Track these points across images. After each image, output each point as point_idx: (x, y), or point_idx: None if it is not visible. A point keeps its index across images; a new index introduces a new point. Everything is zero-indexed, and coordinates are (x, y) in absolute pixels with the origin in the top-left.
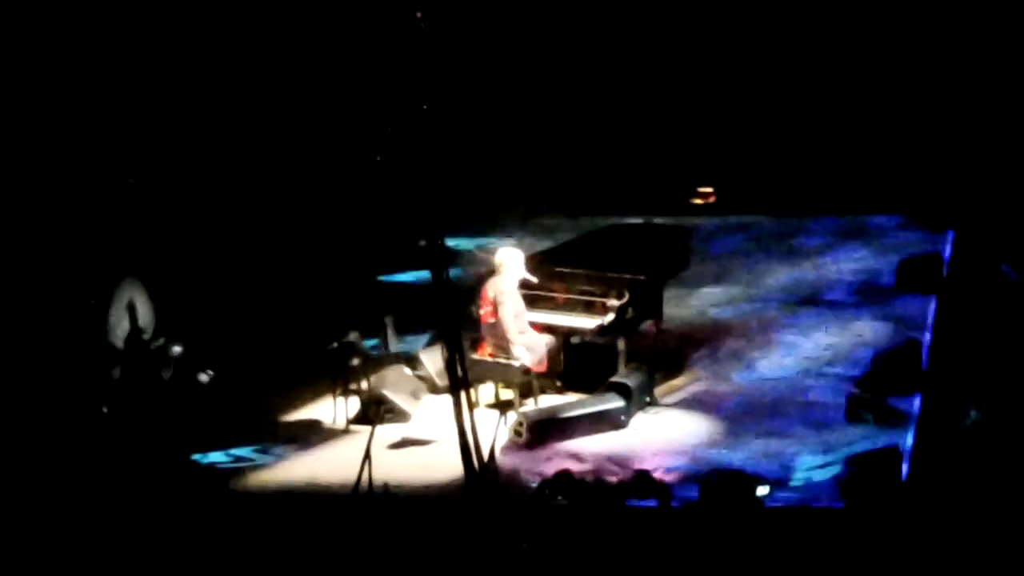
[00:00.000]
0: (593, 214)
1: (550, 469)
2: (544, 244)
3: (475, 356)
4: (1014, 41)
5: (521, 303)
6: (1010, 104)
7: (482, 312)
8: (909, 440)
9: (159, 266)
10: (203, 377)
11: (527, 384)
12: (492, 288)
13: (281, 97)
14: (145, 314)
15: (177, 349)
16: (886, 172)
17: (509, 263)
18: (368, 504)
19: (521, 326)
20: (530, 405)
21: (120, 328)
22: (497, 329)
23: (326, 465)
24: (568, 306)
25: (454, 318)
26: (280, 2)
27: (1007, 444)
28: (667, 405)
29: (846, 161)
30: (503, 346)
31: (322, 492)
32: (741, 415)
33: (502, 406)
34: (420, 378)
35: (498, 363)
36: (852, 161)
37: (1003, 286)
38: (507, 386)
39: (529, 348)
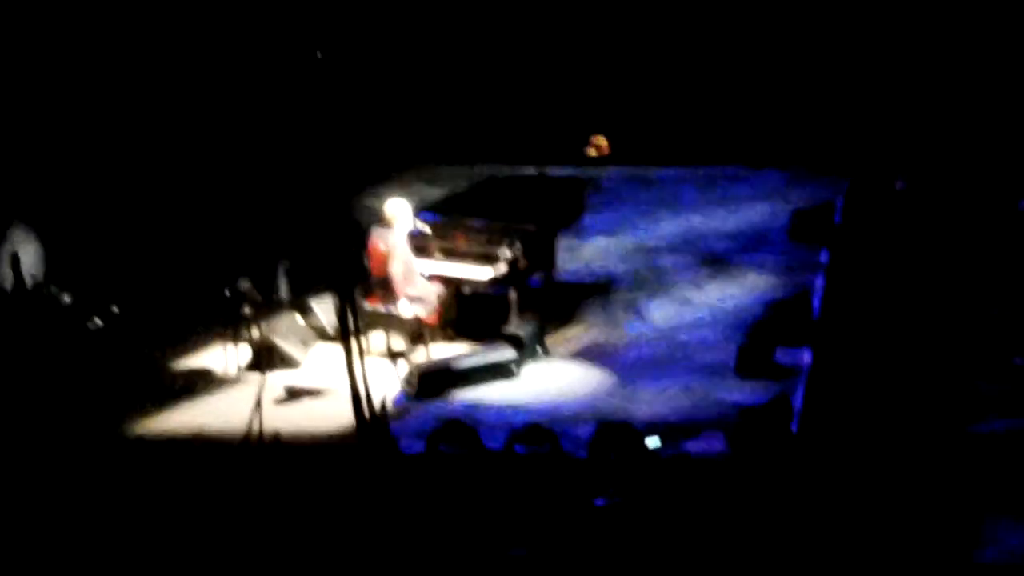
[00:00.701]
0: (486, 163)
1: (440, 418)
2: (437, 194)
3: (367, 305)
4: None
5: (411, 255)
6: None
7: (371, 263)
8: (799, 392)
9: (49, 212)
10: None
11: (419, 334)
12: (382, 240)
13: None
14: (34, 262)
15: (67, 298)
16: (778, 123)
17: (398, 215)
18: (258, 454)
19: (411, 278)
20: (422, 355)
21: (6, 277)
22: (387, 281)
23: (217, 414)
24: (460, 256)
25: (346, 266)
26: None
27: (895, 389)
28: (559, 355)
29: (739, 112)
30: (393, 298)
31: (212, 440)
32: (633, 366)
33: (393, 356)
34: (312, 326)
35: (389, 313)
36: (745, 112)
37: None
38: (399, 335)
39: (420, 299)
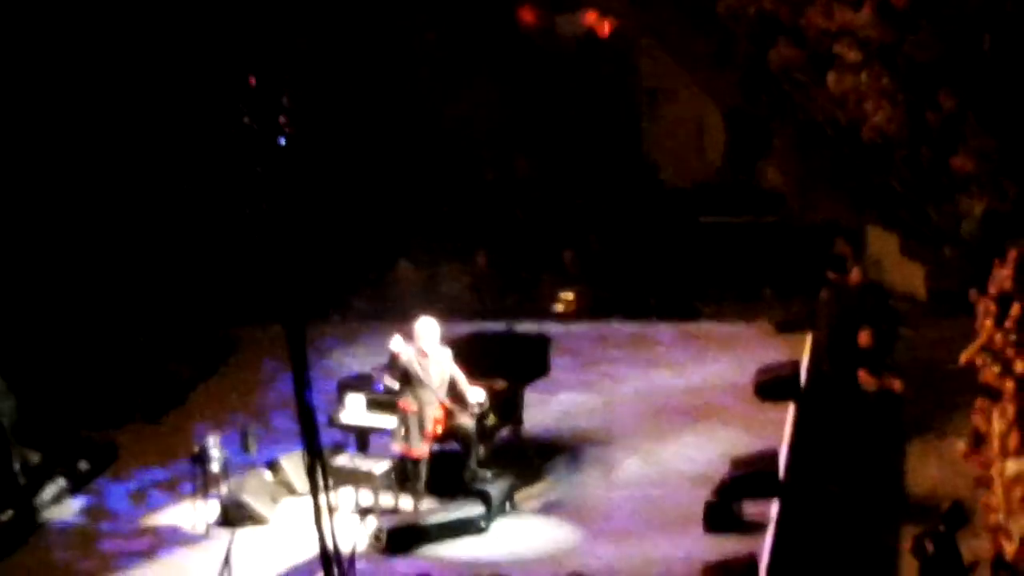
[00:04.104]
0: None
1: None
2: None
3: (336, 461)
4: None
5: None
6: None
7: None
8: (767, 547)
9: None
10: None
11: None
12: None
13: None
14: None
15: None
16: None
17: (426, 330)
18: None
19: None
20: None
21: None
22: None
23: (184, 572)
24: None
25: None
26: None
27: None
28: (527, 512)
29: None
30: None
31: None
32: (599, 522)
33: (362, 512)
34: (280, 483)
35: (357, 469)
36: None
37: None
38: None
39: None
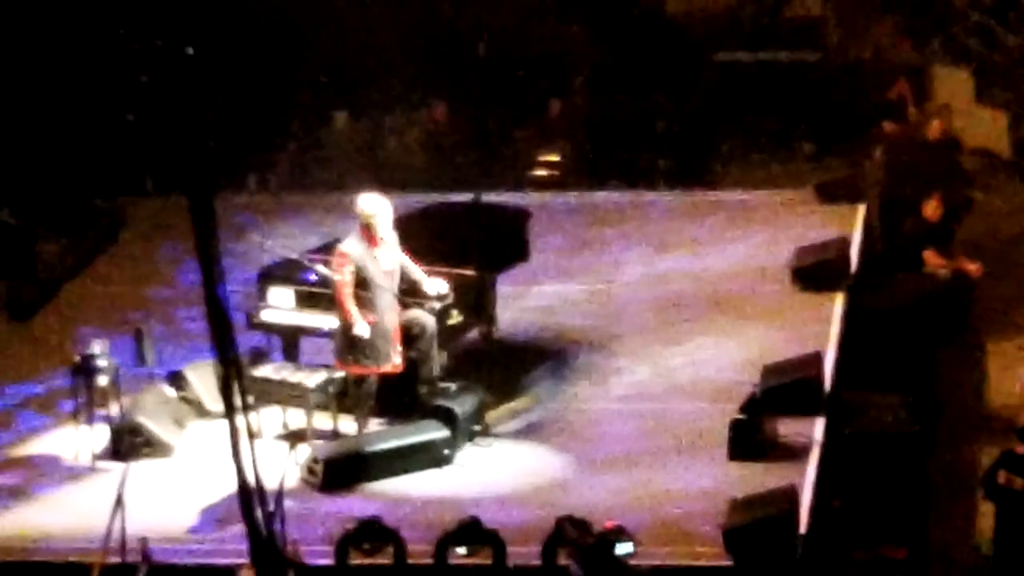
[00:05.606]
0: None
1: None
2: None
3: (259, 371)
4: None
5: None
6: None
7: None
8: (809, 479)
9: None
10: None
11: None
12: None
13: None
14: None
15: None
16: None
17: (381, 211)
18: (119, 572)
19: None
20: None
21: None
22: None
23: (64, 515)
24: None
25: (227, 320)
26: None
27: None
28: (502, 435)
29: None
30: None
31: (55, 553)
32: (595, 448)
33: (291, 437)
34: (186, 401)
35: (285, 382)
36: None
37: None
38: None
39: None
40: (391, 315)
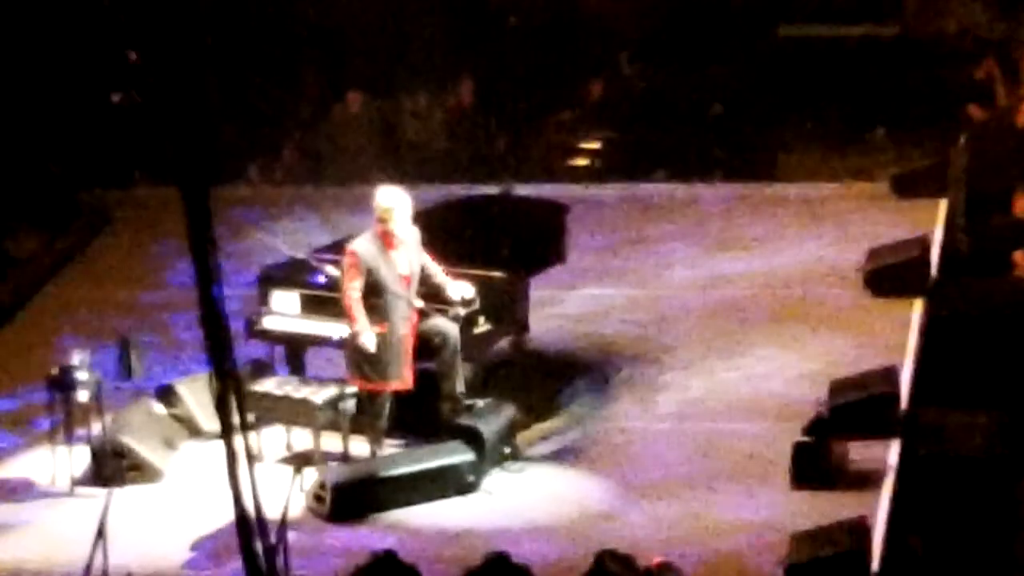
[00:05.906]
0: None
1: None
2: (356, 227)
3: (260, 386)
4: None
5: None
6: None
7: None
8: (883, 509)
9: None
10: None
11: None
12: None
13: None
14: None
15: None
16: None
17: (400, 207)
18: None
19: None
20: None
21: None
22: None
23: (39, 547)
24: None
25: (224, 328)
26: None
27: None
28: (534, 458)
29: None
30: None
31: None
32: (640, 473)
33: (296, 460)
34: (177, 419)
35: (289, 398)
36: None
37: None
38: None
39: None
40: (404, 325)
